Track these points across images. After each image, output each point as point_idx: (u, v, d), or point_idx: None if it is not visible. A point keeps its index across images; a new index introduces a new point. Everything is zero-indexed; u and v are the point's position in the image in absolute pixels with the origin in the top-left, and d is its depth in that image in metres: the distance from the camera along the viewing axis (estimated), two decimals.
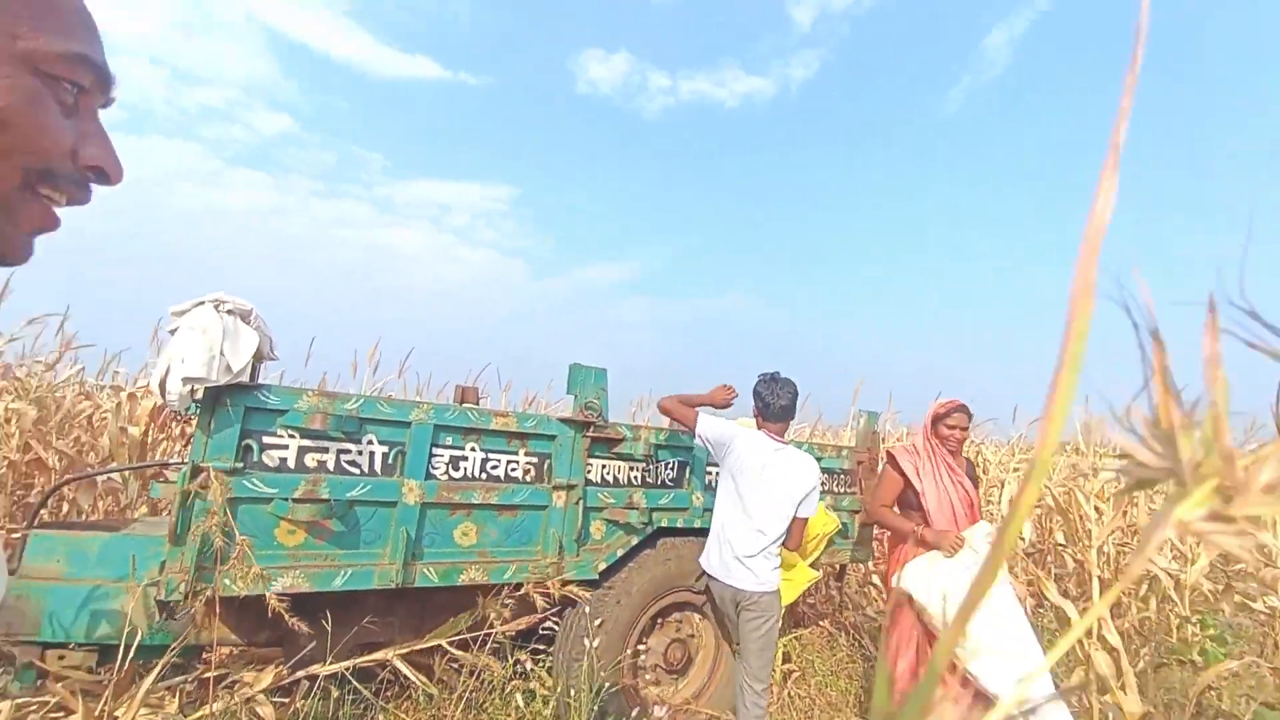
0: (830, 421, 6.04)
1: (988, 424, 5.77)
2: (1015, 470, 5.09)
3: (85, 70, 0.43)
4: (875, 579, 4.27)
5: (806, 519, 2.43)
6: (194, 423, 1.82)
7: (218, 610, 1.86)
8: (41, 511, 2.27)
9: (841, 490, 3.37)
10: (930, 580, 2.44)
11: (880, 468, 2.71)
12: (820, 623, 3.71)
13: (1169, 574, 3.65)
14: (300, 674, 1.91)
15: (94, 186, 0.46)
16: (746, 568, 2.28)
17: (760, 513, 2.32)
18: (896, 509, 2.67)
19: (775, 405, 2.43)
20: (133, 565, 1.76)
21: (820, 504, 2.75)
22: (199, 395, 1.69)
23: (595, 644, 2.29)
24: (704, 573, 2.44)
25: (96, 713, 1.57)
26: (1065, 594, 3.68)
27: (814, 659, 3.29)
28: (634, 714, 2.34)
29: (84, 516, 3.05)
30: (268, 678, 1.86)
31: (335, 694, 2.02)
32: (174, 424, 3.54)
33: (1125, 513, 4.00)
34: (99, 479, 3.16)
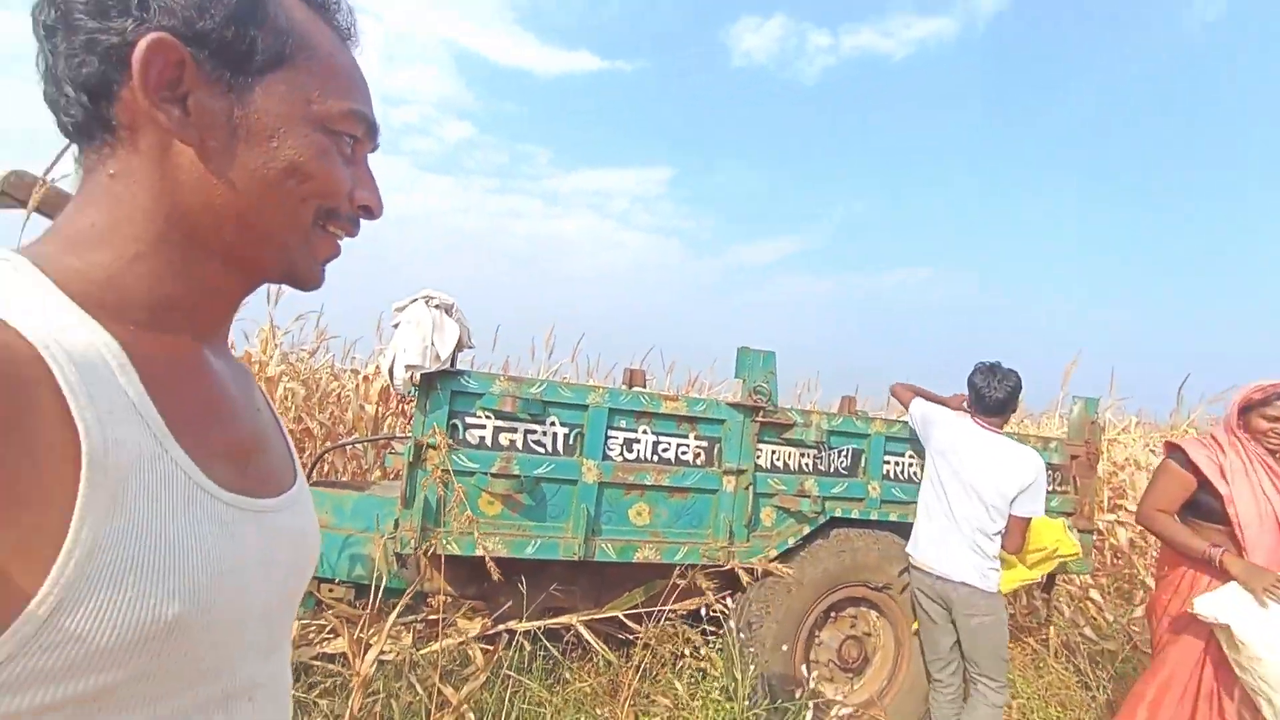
0: (1032, 409, 5.24)
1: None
2: None
3: (359, 123, 0.49)
4: (1094, 594, 3.65)
5: (1027, 520, 2.22)
6: (414, 403, 2.12)
7: (433, 565, 2.16)
8: (312, 472, 2.83)
9: (1055, 489, 2.91)
10: (1267, 619, 1.78)
11: (1161, 461, 2.14)
12: (1024, 638, 3.28)
13: None
14: (500, 628, 2.16)
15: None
16: (948, 556, 2.24)
17: (960, 502, 2.22)
18: (1177, 518, 2.09)
19: (991, 398, 2.27)
20: (376, 521, 2.12)
21: (1063, 523, 2.45)
22: (416, 380, 1.96)
23: (765, 630, 2.27)
24: (909, 561, 2.41)
25: (355, 637, 1.92)
26: None
27: (1014, 678, 2.92)
28: (802, 703, 2.28)
29: (338, 477, 3.76)
30: (477, 626, 2.13)
31: (529, 649, 2.24)
32: (399, 403, 4.19)
33: None
34: (347, 447, 3.86)
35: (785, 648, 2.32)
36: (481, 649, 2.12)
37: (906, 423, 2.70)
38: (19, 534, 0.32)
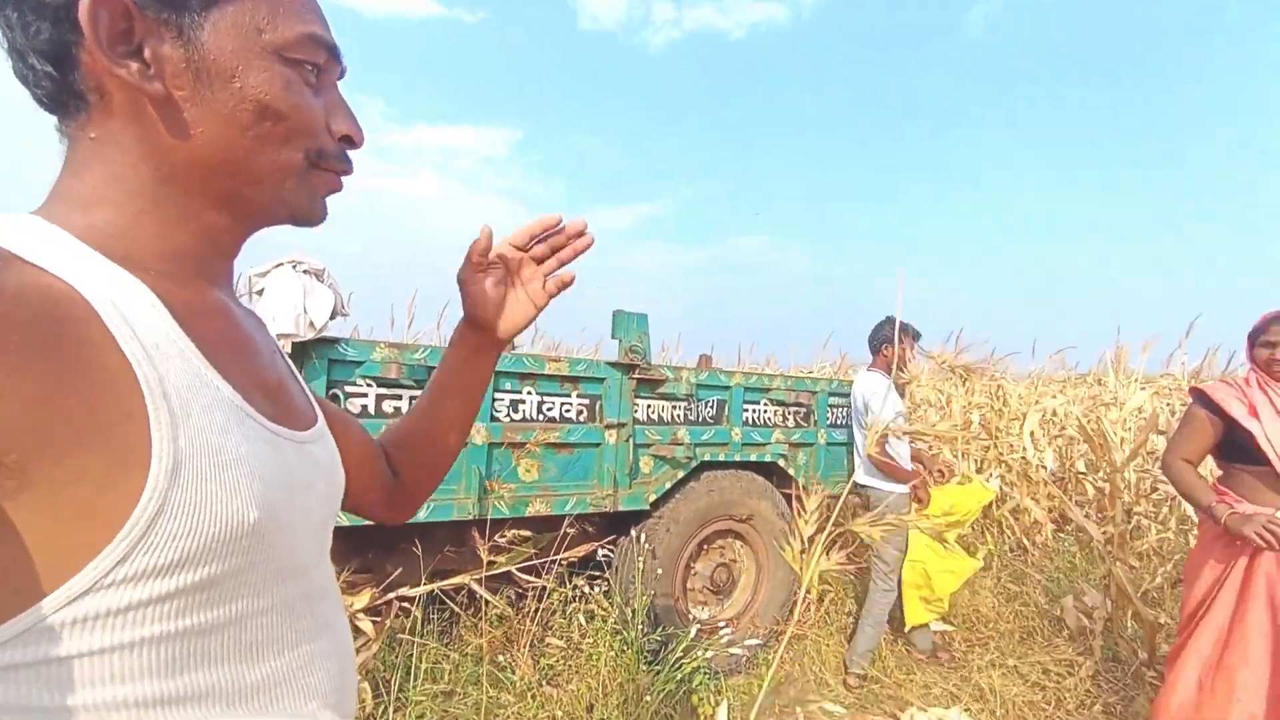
0: (854, 360, 6.14)
1: (1010, 358, 5.83)
2: (1036, 404, 5.18)
3: (318, 48, 0.48)
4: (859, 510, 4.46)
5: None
6: None
7: None
8: None
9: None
10: None
11: (1187, 409, 2.02)
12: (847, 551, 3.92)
13: None
14: (391, 596, 2.12)
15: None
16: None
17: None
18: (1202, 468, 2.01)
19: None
20: None
21: (979, 478, 2.97)
22: (288, 350, 1.82)
23: (648, 568, 2.50)
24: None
25: None
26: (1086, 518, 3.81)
27: (849, 581, 3.50)
28: (685, 628, 2.56)
29: None
30: (364, 598, 2.07)
31: (418, 614, 2.24)
32: None
33: (1146, 439, 4.11)
34: None
35: (667, 580, 2.58)
36: (371, 621, 2.08)
37: (760, 375, 3.06)
38: (113, 452, 0.35)
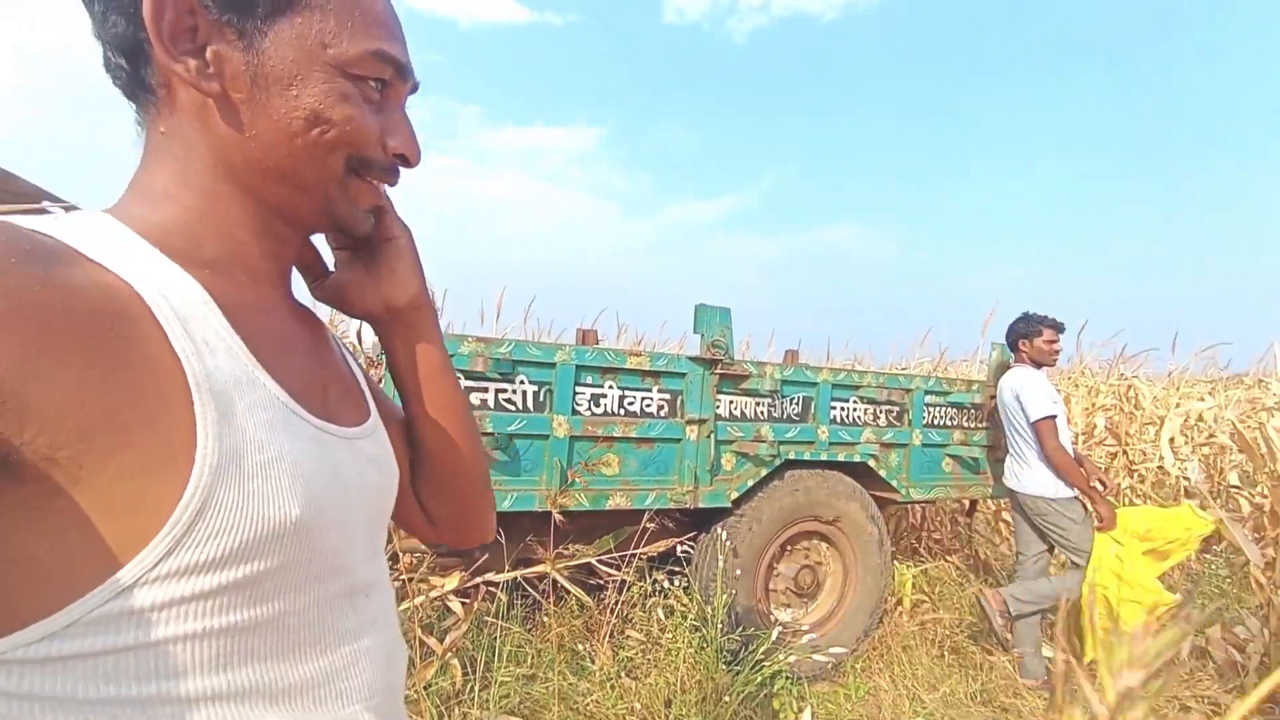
0: (954, 356, 5.69)
1: (1144, 354, 5.18)
2: (1178, 407, 4.57)
3: (385, 66, 0.48)
4: (1006, 516, 4.10)
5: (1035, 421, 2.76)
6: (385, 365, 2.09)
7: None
8: None
9: (972, 425, 3.23)
10: None
11: None
12: (948, 558, 3.66)
13: None
14: (478, 579, 2.22)
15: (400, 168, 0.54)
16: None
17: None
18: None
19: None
20: None
21: (1190, 505, 2.81)
22: (369, 344, 1.94)
23: (729, 566, 2.45)
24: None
25: None
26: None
27: (945, 592, 3.27)
28: (767, 630, 2.49)
29: None
30: (454, 580, 2.18)
31: (505, 599, 2.32)
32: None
33: None
34: None
35: (748, 580, 2.52)
36: (461, 602, 2.18)
37: (850, 371, 2.91)
38: (160, 446, 0.36)
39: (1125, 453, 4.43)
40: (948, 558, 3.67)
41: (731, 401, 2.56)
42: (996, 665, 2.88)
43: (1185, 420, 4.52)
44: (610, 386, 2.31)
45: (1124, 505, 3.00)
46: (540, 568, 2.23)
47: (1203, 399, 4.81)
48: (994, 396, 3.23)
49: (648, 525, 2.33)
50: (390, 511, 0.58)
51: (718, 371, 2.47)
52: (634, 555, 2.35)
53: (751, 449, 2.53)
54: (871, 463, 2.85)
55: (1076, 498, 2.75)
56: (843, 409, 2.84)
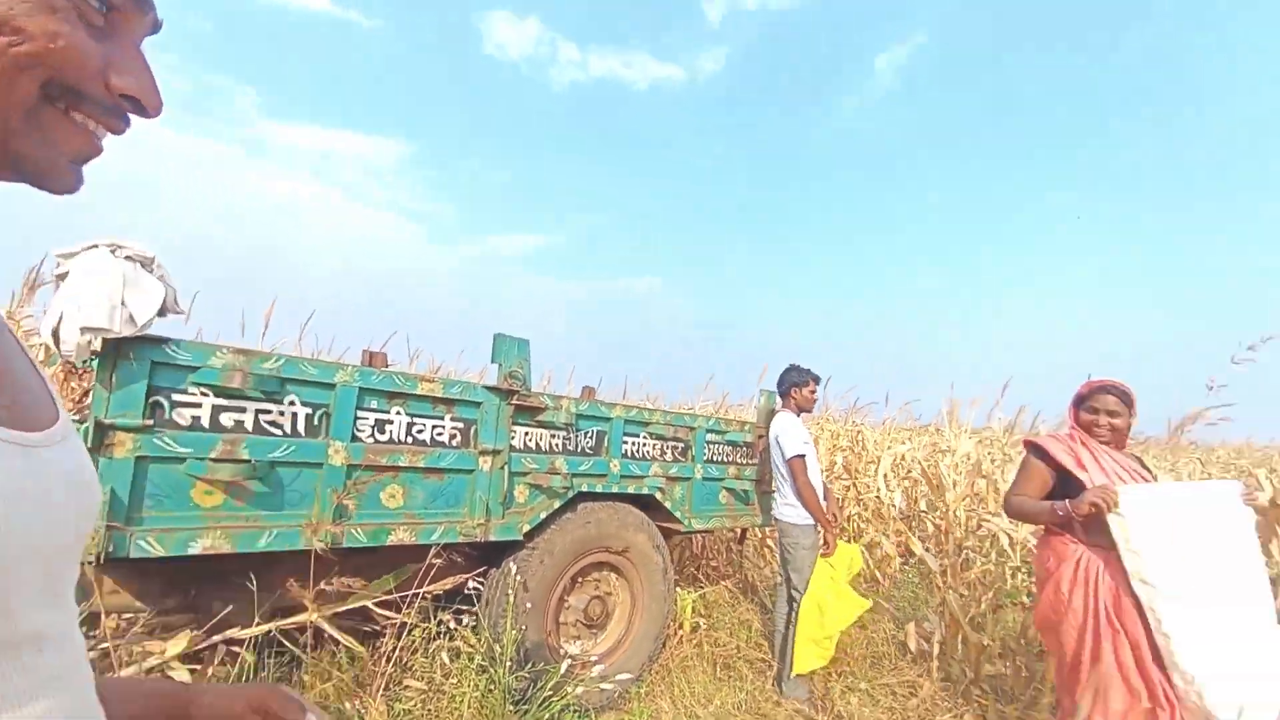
0: (735, 400, 6.47)
1: (869, 405, 6.45)
2: (889, 449, 5.73)
3: None
4: (770, 543, 4.68)
5: (789, 459, 3.23)
6: (86, 377, 1.71)
7: (115, 578, 1.78)
8: None
9: (744, 461, 3.68)
10: (1152, 519, 1.87)
11: (1024, 458, 2.27)
12: (723, 582, 4.03)
13: (1006, 533, 4.32)
14: (216, 639, 1.86)
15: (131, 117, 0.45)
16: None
17: None
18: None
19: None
20: None
21: (854, 546, 3.39)
22: (96, 347, 1.60)
23: (519, 601, 2.40)
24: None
25: None
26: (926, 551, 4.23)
27: (720, 614, 3.58)
28: (557, 665, 2.47)
29: None
30: (180, 644, 1.80)
31: (251, 659, 1.97)
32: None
33: (973, 483, 4.70)
34: None
35: (538, 614, 2.49)
36: (190, 669, 1.81)
37: (641, 409, 3.14)
38: None
39: (855, 485, 5.40)
40: (723, 582, 4.04)
41: (527, 433, 2.58)
42: (760, 677, 3.21)
43: (894, 460, 5.68)
44: (398, 413, 2.18)
45: (849, 529, 3.66)
46: (301, 616, 1.95)
47: (904, 443, 6.12)
48: (763, 436, 3.74)
49: (434, 561, 2.20)
50: (85, 540, 0.46)
51: (514, 402, 2.49)
52: (417, 595, 2.19)
53: (545, 481, 2.56)
54: (658, 495, 3.07)
55: (815, 527, 3.26)
56: (633, 444, 3.04)
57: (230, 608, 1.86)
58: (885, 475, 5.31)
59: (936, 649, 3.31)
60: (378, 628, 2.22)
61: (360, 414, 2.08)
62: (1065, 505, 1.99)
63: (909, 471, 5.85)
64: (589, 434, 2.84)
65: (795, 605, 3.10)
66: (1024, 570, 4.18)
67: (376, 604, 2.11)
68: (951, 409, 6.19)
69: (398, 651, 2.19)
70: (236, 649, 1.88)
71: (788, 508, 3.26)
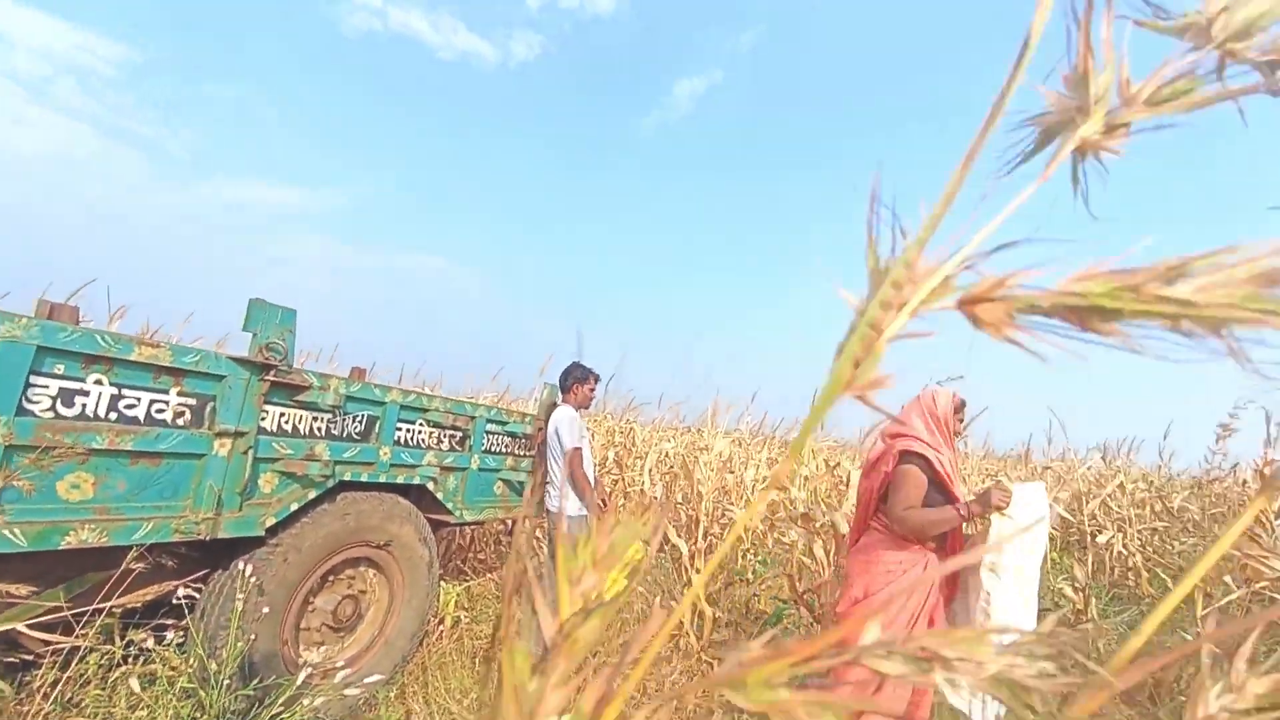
0: (516, 393, 6.45)
1: (642, 405, 6.99)
2: (655, 446, 6.30)
3: None
4: (539, 534, 4.79)
5: (566, 450, 3.31)
6: None
7: None
8: None
9: (522, 453, 3.71)
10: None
11: (904, 468, 2.12)
12: (489, 575, 4.00)
13: (743, 523, 5.08)
14: None
15: None
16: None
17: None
18: None
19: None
20: None
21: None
22: None
23: (252, 607, 2.08)
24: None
25: None
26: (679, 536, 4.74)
27: (484, 606, 3.55)
28: (292, 676, 2.20)
29: None
30: None
31: None
32: None
33: (723, 478, 5.43)
34: None
35: (274, 620, 2.18)
36: None
37: (420, 394, 2.96)
38: None
39: (623, 479, 5.81)
40: (489, 574, 4.01)
41: (282, 414, 2.25)
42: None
43: (658, 456, 6.26)
44: (98, 382, 1.72)
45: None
46: None
47: (669, 440, 6.78)
48: (542, 429, 3.80)
49: (133, 567, 1.78)
50: None
51: (269, 378, 2.15)
52: (98, 610, 1.76)
53: (301, 468, 2.26)
54: (430, 485, 2.93)
55: (585, 516, 3.44)
56: (408, 431, 2.85)
57: None
58: (650, 470, 5.83)
59: (678, 622, 3.75)
60: (30, 656, 1.73)
61: (36, 381, 1.59)
62: (968, 507, 2.00)
63: (671, 468, 6.50)
64: (358, 418, 2.59)
65: None
66: (752, 552, 4.99)
67: (35, 626, 1.64)
68: (713, 411, 7.08)
69: (60, 687, 1.72)
70: None
71: (561, 499, 3.37)
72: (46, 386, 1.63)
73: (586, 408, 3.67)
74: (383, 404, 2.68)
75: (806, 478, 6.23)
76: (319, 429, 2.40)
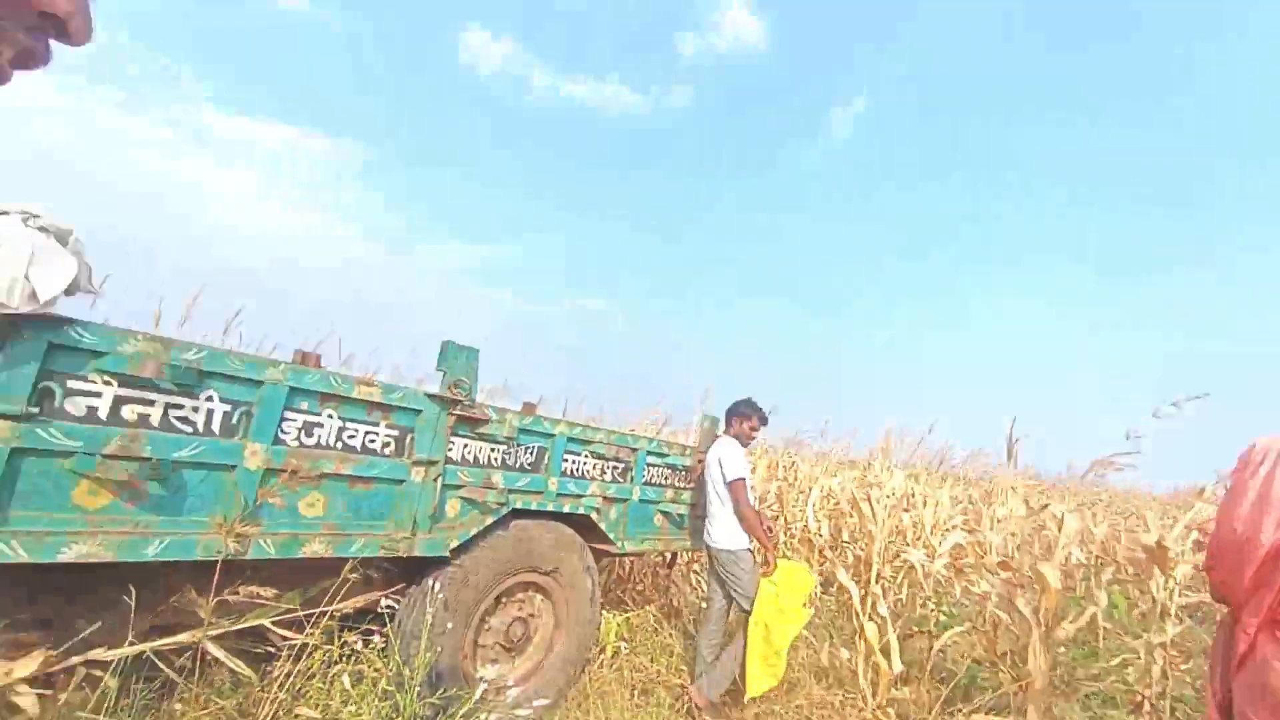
0: (675, 424, 6.49)
1: (807, 439, 6.63)
2: (817, 481, 5.91)
3: None
4: (697, 567, 4.70)
5: (730, 481, 3.24)
6: None
7: None
8: None
9: (682, 485, 3.68)
10: None
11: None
12: (648, 606, 4.00)
13: (920, 565, 4.50)
14: (76, 660, 1.65)
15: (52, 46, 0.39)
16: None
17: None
18: None
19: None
20: None
21: (801, 565, 3.32)
22: None
23: (439, 621, 2.28)
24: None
25: None
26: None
27: (643, 638, 3.55)
28: (471, 690, 2.36)
29: None
30: (30, 664, 1.58)
31: (112, 685, 1.75)
32: None
33: (898, 517, 4.90)
34: None
35: (456, 635, 2.37)
36: (39, 694, 1.59)
37: (585, 426, 3.08)
38: None
39: (785, 515, 5.52)
40: (648, 606, 4.01)
41: (465, 445, 2.47)
42: (680, 703, 3.19)
43: (823, 492, 5.86)
44: (330, 416, 2.03)
45: (781, 558, 3.68)
46: (181, 636, 1.76)
47: (834, 476, 6.32)
48: (702, 461, 3.75)
49: (349, 576, 2.05)
50: None
51: (456, 413, 2.37)
52: (323, 614, 2.03)
53: (480, 495, 2.45)
54: (594, 515, 3.01)
55: (750, 550, 3.29)
56: (574, 462, 2.97)
57: (99, 624, 1.66)
58: (814, 506, 5.47)
59: (868, 675, 3.40)
60: (272, 649, 2.04)
61: (288, 415, 1.91)
62: None
63: (836, 504, 6.04)
64: (529, 449, 2.75)
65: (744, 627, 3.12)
66: (933, 600, 4.39)
67: (275, 623, 1.94)
68: (884, 444, 6.48)
69: (293, 677, 2.01)
70: (99, 672, 1.67)
71: (724, 534, 3.26)
72: (295, 420, 1.95)
73: (746, 446, 3.54)
74: (551, 436, 2.82)
75: (1000, 519, 5.39)
76: (495, 459, 2.58)
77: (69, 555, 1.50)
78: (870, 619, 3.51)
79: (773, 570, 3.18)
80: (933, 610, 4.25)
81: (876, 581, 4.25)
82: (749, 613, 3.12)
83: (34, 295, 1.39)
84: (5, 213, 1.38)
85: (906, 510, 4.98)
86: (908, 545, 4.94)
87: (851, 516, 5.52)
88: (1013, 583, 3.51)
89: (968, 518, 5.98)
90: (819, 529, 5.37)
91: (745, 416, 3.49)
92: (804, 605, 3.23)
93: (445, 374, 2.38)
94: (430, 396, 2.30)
